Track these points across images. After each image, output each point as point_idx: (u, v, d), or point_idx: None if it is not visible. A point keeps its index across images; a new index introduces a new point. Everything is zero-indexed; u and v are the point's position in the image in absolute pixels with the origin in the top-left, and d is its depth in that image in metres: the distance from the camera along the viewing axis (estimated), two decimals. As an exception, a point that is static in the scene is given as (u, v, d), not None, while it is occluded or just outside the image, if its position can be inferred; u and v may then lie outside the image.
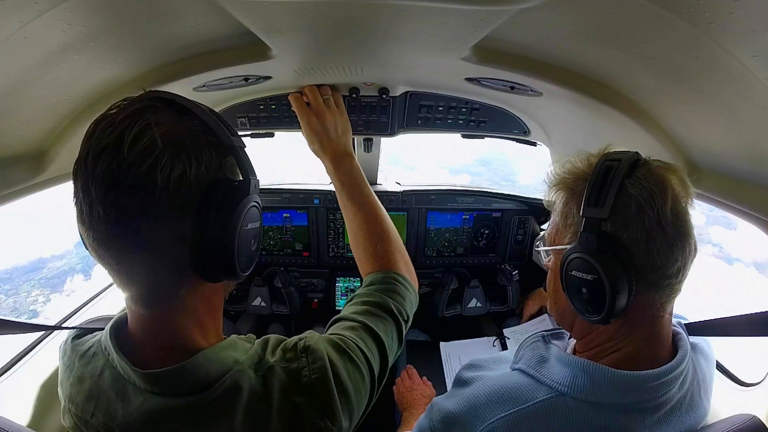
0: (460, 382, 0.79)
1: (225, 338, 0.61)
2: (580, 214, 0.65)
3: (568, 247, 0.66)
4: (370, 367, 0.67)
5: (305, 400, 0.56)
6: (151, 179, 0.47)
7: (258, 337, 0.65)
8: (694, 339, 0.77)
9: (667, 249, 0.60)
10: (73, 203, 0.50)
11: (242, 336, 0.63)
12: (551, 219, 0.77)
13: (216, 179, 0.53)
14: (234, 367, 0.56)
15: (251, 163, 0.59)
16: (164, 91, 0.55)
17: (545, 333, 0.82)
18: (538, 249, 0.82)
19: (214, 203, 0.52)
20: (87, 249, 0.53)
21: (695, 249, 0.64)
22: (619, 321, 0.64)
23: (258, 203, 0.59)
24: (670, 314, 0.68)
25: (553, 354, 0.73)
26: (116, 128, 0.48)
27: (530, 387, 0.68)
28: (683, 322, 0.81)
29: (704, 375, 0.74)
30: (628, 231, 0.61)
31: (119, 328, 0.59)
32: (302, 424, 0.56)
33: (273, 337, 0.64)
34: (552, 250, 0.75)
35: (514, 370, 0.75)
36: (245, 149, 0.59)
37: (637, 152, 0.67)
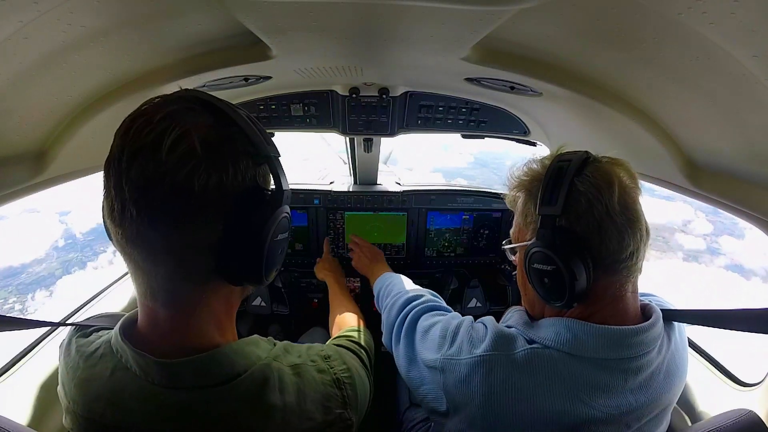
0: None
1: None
2: (537, 212, 0.72)
3: (530, 242, 0.73)
4: (370, 370, 0.80)
5: (337, 392, 0.64)
6: (188, 186, 0.47)
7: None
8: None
9: (618, 236, 0.67)
10: (103, 198, 0.51)
11: (263, 338, 0.65)
12: (514, 219, 0.84)
13: (250, 188, 0.53)
14: (258, 362, 0.57)
15: (284, 173, 0.59)
16: (201, 92, 0.54)
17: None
18: (504, 247, 0.89)
19: (247, 212, 0.52)
20: (113, 243, 0.54)
21: (647, 233, 0.70)
22: (583, 304, 0.71)
23: (288, 214, 0.59)
24: (634, 292, 0.74)
25: (537, 321, 0.79)
26: (154, 129, 0.47)
27: (519, 338, 0.74)
28: (667, 307, 0.83)
29: (676, 352, 0.79)
30: (580, 224, 0.68)
31: (128, 328, 0.59)
32: (332, 412, 0.62)
33: (287, 343, 0.68)
34: (516, 246, 0.84)
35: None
36: (279, 158, 0.58)
37: (586, 151, 0.74)
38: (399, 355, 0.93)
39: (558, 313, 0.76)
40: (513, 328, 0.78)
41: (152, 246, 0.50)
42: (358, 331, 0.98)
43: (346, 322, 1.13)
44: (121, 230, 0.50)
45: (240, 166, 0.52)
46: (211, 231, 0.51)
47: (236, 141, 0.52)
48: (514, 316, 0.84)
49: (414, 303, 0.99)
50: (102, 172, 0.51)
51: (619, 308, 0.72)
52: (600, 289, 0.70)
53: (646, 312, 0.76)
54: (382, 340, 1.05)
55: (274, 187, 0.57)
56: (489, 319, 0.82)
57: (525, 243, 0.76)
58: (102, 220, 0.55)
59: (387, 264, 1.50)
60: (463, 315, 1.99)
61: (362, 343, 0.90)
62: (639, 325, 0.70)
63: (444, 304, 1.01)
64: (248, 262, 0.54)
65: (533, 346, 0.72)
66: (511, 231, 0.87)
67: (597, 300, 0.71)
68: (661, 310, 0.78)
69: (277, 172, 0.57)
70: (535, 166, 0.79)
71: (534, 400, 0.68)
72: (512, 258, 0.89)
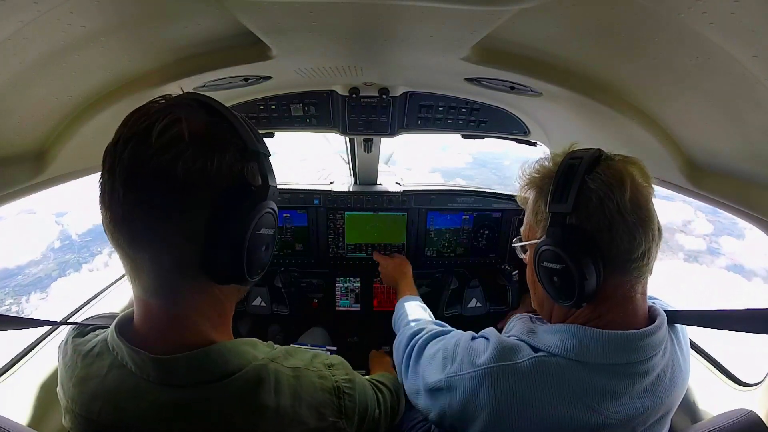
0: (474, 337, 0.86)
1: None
2: (547, 210, 0.71)
3: (540, 240, 0.72)
4: (382, 395, 0.83)
5: (334, 400, 0.64)
6: (172, 169, 0.49)
7: (257, 338, 0.66)
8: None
9: (629, 235, 0.65)
10: (98, 184, 0.53)
11: (263, 341, 0.65)
12: (525, 216, 0.83)
13: (236, 181, 0.54)
14: (253, 362, 0.57)
15: (273, 171, 0.59)
16: (201, 94, 0.57)
17: (531, 315, 0.88)
18: (515, 245, 0.89)
19: (229, 204, 0.53)
20: (105, 232, 0.54)
21: (659, 233, 0.69)
22: (592, 304, 0.70)
23: (274, 210, 0.59)
24: (643, 294, 0.73)
25: (541, 328, 0.78)
26: (148, 118, 0.50)
27: (524, 347, 0.73)
28: (667, 308, 0.82)
29: (680, 354, 0.78)
30: (590, 222, 0.66)
31: (123, 326, 0.59)
32: (326, 419, 0.61)
33: (293, 347, 0.69)
34: (527, 244, 0.82)
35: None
36: (269, 157, 0.59)
37: (599, 149, 0.72)
38: (409, 386, 0.92)
39: (565, 315, 0.74)
40: (515, 338, 0.77)
41: (137, 229, 0.51)
42: (384, 375, 1.02)
43: None
44: (110, 212, 0.51)
45: (226, 157, 0.53)
46: (193, 220, 0.52)
47: (226, 135, 0.54)
48: (516, 325, 0.82)
49: (417, 336, 0.99)
50: None
51: (628, 310, 0.71)
52: (610, 289, 0.69)
53: (650, 314, 0.75)
54: (396, 376, 1.08)
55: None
56: (490, 332, 0.81)
57: (535, 241, 0.75)
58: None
59: (411, 280, 1.55)
60: (463, 315, 1.99)
61: (381, 379, 0.93)
62: (645, 329, 0.69)
63: (447, 327, 1.01)
64: (227, 255, 0.54)
65: (539, 354, 0.71)
66: (522, 229, 0.86)
67: (606, 300, 0.70)
68: (664, 311, 0.77)
69: (265, 168, 0.57)
70: (547, 164, 0.78)
71: (543, 409, 0.67)
72: (523, 256, 0.88)
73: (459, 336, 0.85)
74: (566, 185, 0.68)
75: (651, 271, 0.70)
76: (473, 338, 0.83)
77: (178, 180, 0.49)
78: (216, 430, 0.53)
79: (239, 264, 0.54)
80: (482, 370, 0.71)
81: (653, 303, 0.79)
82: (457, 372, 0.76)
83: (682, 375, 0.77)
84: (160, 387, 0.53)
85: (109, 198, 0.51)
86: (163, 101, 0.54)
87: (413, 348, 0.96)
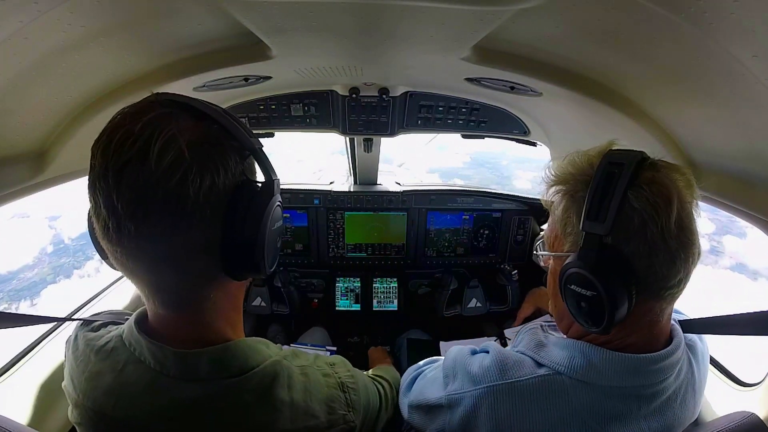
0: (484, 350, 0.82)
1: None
2: (581, 227, 0.62)
3: (568, 254, 0.65)
4: (383, 388, 0.87)
5: (341, 394, 0.67)
6: (182, 192, 0.47)
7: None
8: (689, 336, 0.77)
9: (669, 262, 0.59)
10: (94, 218, 0.50)
11: (271, 342, 0.66)
12: (550, 221, 0.76)
13: (240, 182, 0.54)
14: (268, 359, 0.59)
15: (270, 162, 0.59)
16: (174, 94, 0.54)
17: (543, 323, 0.85)
18: (537, 253, 0.82)
19: (242, 207, 0.53)
20: (109, 261, 0.53)
21: (699, 254, 0.62)
22: (617, 326, 0.63)
23: (281, 202, 0.60)
24: (670, 313, 0.68)
25: (551, 340, 0.73)
26: (137, 140, 0.46)
27: (529, 364, 0.70)
28: (679, 318, 0.80)
29: (697, 374, 0.75)
30: (629, 245, 0.59)
31: (141, 323, 0.59)
32: (335, 412, 0.64)
33: (298, 350, 0.71)
34: (553, 256, 0.74)
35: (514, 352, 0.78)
36: (263, 149, 0.59)
37: (641, 152, 0.63)
38: (408, 403, 0.90)
39: (584, 332, 0.68)
40: (520, 353, 0.74)
41: (154, 257, 0.50)
42: (382, 368, 1.06)
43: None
44: (120, 248, 0.49)
45: (229, 163, 0.52)
46: (210, 231, 0.52)
47: (221, 139, 0.52)
48: (524, 338, 0.78)
49: (422, 363, 1.01)
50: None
51: (653, 333, 0.66)
52: (639, 314, 0.62)
53: (670, 334, 0.70)
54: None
55: (263, 178, 0.58)
56: (492, 347, 0.78)
57: (562, 255, 0.68)
58: (91, 239, 0.55)
59: None
60: (463, 315, 1.96)
61: (380, 372, 0.97)
62: (659, 353, 0.64)
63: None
64: (249, 256, 0.54)
65: (543, 372, 0.67)
66: (546, 234, 0.78)
67: (633, 323, 0.64)
68: (679, 321, 0.73)
69: (264, 162, 0.57)
70: (580, 164, 0.67)
71: (545, 429, 0.65)
72: (543, 264, 0.81)
73: (457, 352, 0.83)
74: (604, 200, 0.59)
75: (682, 292, 0.65)
76: (473, 353, 0.80)
77: (189, 201, 0.48)
78: (236, 423, 0.55)
79: (261, 261, 0.55)
80: (483, 389, 0.69)
81: (673, 320, 0.74)
82: (457, 390, 0.74)
83: (695, 397, 0.73)
84: (179, 382, 0.54)
85: (116, 235, 0.48)
86: (132, 110, 0.50)
87: (418, 369, 0.97)
